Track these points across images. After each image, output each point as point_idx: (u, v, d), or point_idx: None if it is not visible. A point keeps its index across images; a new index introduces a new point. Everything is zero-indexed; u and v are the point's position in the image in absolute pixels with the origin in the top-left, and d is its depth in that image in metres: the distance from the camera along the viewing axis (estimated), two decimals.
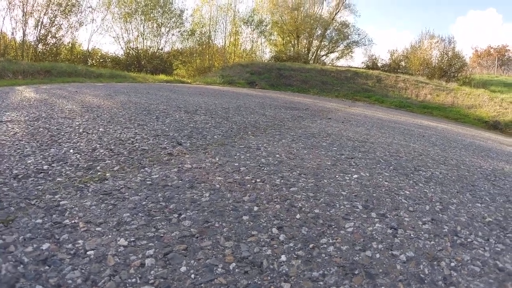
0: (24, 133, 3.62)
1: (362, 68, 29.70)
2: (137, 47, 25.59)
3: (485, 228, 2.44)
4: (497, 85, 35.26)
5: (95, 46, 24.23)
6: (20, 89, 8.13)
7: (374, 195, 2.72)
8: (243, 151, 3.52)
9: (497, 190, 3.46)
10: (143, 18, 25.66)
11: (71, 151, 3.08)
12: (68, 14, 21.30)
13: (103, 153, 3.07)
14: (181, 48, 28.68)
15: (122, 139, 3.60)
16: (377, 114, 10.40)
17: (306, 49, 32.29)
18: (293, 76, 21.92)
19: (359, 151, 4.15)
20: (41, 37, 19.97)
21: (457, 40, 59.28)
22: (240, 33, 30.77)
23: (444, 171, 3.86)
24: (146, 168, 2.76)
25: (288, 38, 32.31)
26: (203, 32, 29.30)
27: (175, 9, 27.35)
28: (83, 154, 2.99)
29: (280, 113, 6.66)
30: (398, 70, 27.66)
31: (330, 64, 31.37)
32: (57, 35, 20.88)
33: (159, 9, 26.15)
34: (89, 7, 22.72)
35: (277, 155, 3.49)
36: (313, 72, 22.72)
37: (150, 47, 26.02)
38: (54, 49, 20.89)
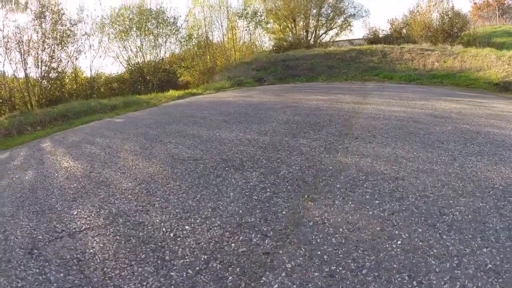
0: (122, 252, 3.84)
1: (365, 41, 30.43)
2: (138, 62, 26.54)
3: (484, 277, 3.10)
4: (502, 36, 35.71)
5: (98, 70, 25.22)
6: (48, 149, 8.80)
7: (414, 261, 3.37)
8: (315, 231, 4.03)
9: (503, 224, 4.02)
10: (139, 33, 26.58)
11: (190, 271, 3.43)
12: (65, 45, 22.18)
13: (219, 268, 3.48)
14: (181, 53, 29.64)
15: (216, 239, 3.99)
16: (393, 107, 10.89)
17: (304, 31, 32.95)
18: (298, 65, 22.60)
19: (395, 198, 4.70)
20: (43, 74, 20.79)
21: None
22: (237, 27, 31.53)
23: (463, 207, 4.41)
24: (264, 279, 3.28)
25: (284, 23, 32.96)
26: (200, 34, 30.15)
27: (168, 17, 28.21)
28: (206, 275, 3.39)
29: (312, 142, 7.15)
30: (401, 39, 28.24)
31: (331, 41, 32.17)
32: (58, 69, 21.64)
33: (153, 21, 27.01)
34: (84, 34, 23.58)
35: (340, 229, 4.05)
36: (318, 57, 23.36)
37: (151, 61, 26.96)
38: (58, 82, 21.61)
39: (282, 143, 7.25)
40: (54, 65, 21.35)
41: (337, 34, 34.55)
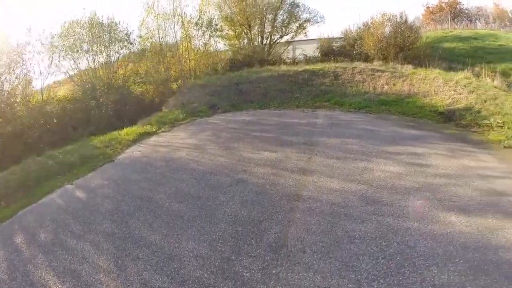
0: None
1: (319, 51, 31.88)
2: (91, 80, 27.16)
3: None
4: (452, 41, 38.15)
5: (49, 91, 25.62)
6: (26, 252, 9.56)
7: None
8: None
9: None
10: (90, 48, 27.21)
11: None
12: (13, 69, 22.58)
13: None
14: (134, 67, 30.33)
15: None
16: (333, 180, 12.14)
17: (259, 37, 34.15)
18: (251, 90, 23.83)
19: None
20: None
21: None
22: (193, 37, 32.36)
23: None
24: None
25: (240, 29, 34.06)
26: (153, 44, 30.95)
27: (120, 31, 28.99)
28: None
29: (252, 275, 8.00)
30: (354, 51, 29.81)
31: (286, 54, 33.62)
32: (8, 102, 21.97)
33: (106, 36, 27.64)
34: (32, 56, 24.16)
35: None
36: (271, 80, 24.61)
37: (104, 78, 27.60)
38: (9, 110, 21.82)
39: (224, 276, 8.08)
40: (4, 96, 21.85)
41: (292, 38, 36.22)
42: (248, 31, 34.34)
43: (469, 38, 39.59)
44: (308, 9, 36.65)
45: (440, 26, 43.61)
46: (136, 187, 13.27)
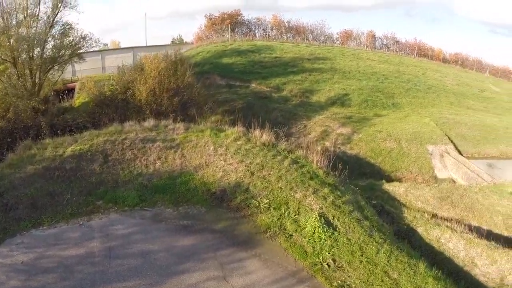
0: None
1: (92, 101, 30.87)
2: None
3: None
4: (231, 55, 40.60)
5: None
6: None
7: None
8: None
9: None
10: None
11: None
12: None
13: None
14: None
15: None
16: None
17: (28, 70, 32.18)
18: (19, 201, 19.73)
19: None
20: None
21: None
22: None
23: None
24: None
25: (2, 66, 31.62)
26: None
27: None
28: None
29: None
30: (128, 100, 29.19)
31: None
32: None
33: None
34: None
35: None
36: (38, 180, 21.05)
37: None
38: None
39: None
40: None
41: (65, 63, 35.08)
42: (14, 67, 32.00)
43: (248, 51, 42.70)
44: (82, 32, 35.19)
45: (221, 37, 46.30)
46: None
